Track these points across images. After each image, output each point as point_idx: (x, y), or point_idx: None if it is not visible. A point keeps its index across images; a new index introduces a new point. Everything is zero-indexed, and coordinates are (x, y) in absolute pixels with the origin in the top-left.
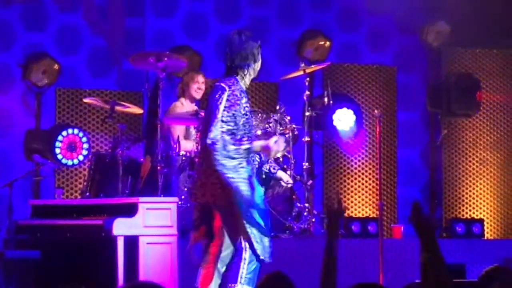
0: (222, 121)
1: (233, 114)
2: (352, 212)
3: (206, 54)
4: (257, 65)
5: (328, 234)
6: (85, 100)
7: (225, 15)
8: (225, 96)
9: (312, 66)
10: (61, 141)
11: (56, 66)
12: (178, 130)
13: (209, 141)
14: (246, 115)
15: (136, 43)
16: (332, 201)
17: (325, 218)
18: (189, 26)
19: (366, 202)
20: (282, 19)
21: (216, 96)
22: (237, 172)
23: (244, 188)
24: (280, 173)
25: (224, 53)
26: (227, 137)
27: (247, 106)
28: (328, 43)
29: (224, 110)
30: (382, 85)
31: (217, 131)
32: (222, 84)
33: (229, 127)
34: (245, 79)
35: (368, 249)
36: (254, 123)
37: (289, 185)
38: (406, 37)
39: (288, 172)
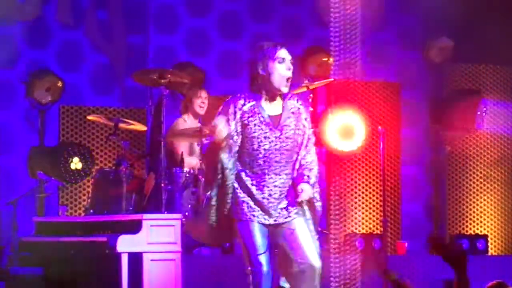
0: None
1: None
2: (356, 228)
3: (208, 70)
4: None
5: None
6: (89, 117)
7: (227, 31)
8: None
9: (316, 82)
10: (65, 160)
11: (59, 83)
12: (182, 146)
13: None
14: (245, 124)
15: (139, 60)
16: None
17: None
18: (192, 42)
19: (370, 219)
20: (285, 35)
21: None
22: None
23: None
24: None
25: None
26: None
27: (245, 118)
28: (331, 59)
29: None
30: (386, 102)
31: None
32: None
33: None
34: (265, 89)
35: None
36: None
37: None
38: (408, 53)
39: None
